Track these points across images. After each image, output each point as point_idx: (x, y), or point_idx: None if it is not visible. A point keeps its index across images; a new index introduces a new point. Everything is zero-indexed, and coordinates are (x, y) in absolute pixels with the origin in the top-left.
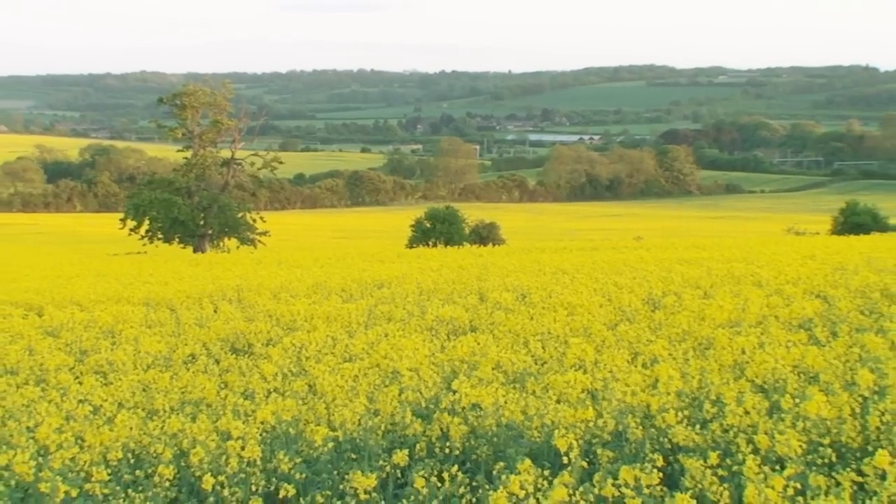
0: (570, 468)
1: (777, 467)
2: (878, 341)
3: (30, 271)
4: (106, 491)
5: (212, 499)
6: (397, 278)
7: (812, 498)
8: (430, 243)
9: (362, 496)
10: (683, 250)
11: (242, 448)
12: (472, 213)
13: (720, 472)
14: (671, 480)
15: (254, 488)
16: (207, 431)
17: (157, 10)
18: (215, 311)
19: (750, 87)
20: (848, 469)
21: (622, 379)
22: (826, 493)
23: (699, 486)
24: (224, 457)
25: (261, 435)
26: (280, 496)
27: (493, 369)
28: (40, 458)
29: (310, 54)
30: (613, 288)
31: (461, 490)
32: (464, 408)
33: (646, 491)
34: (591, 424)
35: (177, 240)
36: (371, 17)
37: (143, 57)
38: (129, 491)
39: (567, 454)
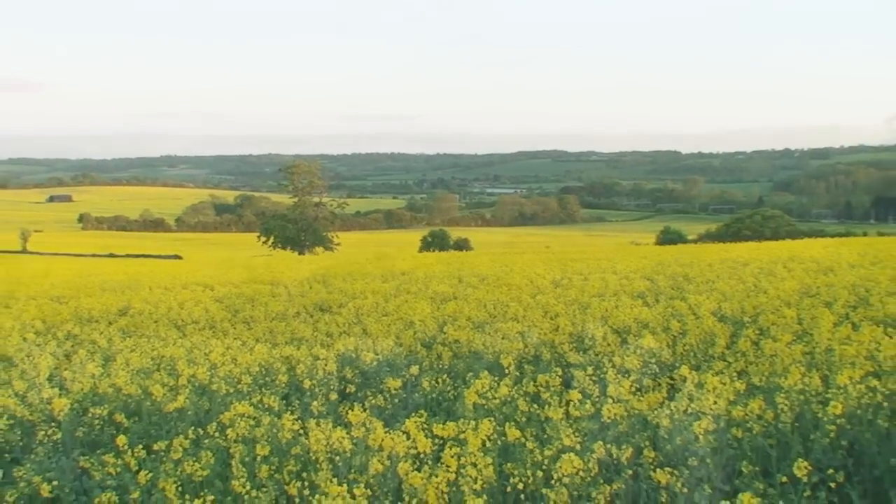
0: (509, 376)
1: (626, 375)
2: (682, 305)
3: (205, 266)
4: (249, 389)
5: (308, 393)
6: (412, 269)
7: (644, 393)
8: (431, 250)
9: (392, 392)
10: (573, 254)
11: (326, 365)
12: (455, 233)
13: (594, 378)
14: (567, 383)
15: (332, 387)
16: (305, 355)
17: (279, 118)
18: (310, 288)
19: (610, 162)
20: (666, 376)
21: (538, 325)
22: (653, 390)
23: (582, 385)
24: (315, 370)
25: (336, 357)
26: (347, 392)
27: (466, 320)
28: (212, 370)
29: (362, 143)
30: (534, 274)
31: (448, 389)
32: (450, 342)
33: (552, 389)
34: (521, 351)
35: (289, 248)
36: (397, 123)
37: (269, 144)
38: (262, 389)
39: (508, 368)
